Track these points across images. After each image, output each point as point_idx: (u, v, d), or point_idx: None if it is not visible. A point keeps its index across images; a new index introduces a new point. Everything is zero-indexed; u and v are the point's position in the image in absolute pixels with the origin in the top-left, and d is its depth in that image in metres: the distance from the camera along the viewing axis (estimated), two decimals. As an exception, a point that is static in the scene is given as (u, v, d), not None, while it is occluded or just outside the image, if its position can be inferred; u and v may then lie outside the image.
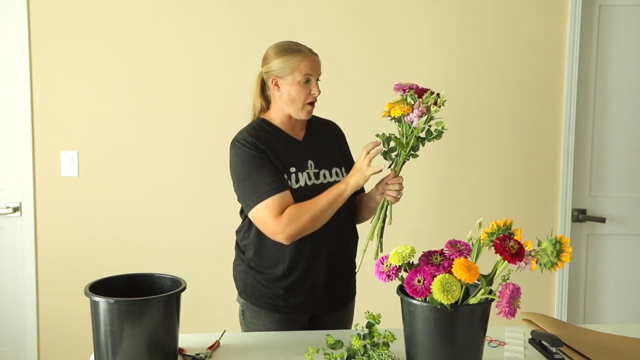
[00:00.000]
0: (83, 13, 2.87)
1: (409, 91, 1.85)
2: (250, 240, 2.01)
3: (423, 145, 1.84)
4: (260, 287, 2.01)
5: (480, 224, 1.46)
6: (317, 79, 1.97)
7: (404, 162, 1.89)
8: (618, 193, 3.08)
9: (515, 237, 1.39)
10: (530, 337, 1.79)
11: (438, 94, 1.85)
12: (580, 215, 3.06)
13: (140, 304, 1.52)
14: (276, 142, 1.97)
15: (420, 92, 1.86)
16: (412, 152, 1.85)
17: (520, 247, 1.36)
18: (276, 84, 1.97)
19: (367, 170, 1.86)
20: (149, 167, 2.94)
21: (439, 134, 1.82)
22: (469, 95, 2.97)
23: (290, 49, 1.96)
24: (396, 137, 1.85)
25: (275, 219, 1.87)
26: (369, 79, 2.92)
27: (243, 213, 2.03)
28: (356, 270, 1.99)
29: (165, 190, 2.95)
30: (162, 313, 1.55)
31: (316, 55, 1.99)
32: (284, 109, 1.99)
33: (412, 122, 1.79)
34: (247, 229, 2.02)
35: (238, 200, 2.00)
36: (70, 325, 2.94)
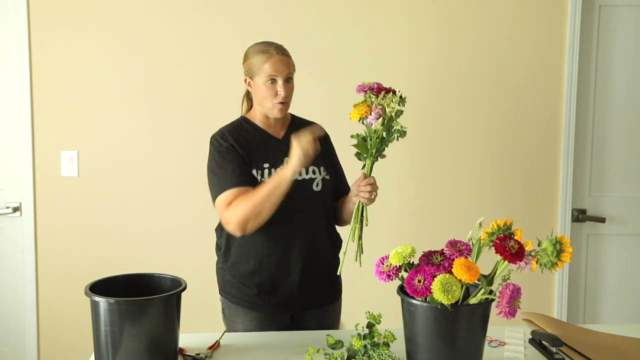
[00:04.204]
0: (83, 14, 2.87)
1: (369, 92, 1.84)
2: (223, 237, 2.05)
3: (387, 146, 1.83)
4: (236, 284, 2.03)
5: (480, 224, 1.46)
6: (287, 79, 1.97)
7: (372, 164, 1.88)
8: (618, 193, 3.08)
9: (516, 237, 1.39)
10: (531, 337, 1.79)
11: (394, 92, 1.83)
12: (580, 215, 3.05)
13: (141, 304, 1.52)
14: (252, 139, 2.01)
15: (382, 91, 1.84)
16: (379, 154, 1.84)
17: (520, 247, 1.36)
18: (249, 84, 2.03)
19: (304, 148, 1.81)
20: (148, 167, 2.94)
21: (402, 134, 1.80)
22: (468, 95, 2.97)
23: (260, 50, 1.99)
24: (364, 138, 1.84)
25: (226, 209, 1.91)
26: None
27: None
28: (338, 273, 1.98)
29: (165, 190, 2.95)
30: (163, 313, 1.55)
31: (284, 55, 1.98)
32: (259, 108, 2.03)
33: (371, 124, 1.78)
34: (221, 226, 2.04)
35: None
36: (70, 325, 2.94)
